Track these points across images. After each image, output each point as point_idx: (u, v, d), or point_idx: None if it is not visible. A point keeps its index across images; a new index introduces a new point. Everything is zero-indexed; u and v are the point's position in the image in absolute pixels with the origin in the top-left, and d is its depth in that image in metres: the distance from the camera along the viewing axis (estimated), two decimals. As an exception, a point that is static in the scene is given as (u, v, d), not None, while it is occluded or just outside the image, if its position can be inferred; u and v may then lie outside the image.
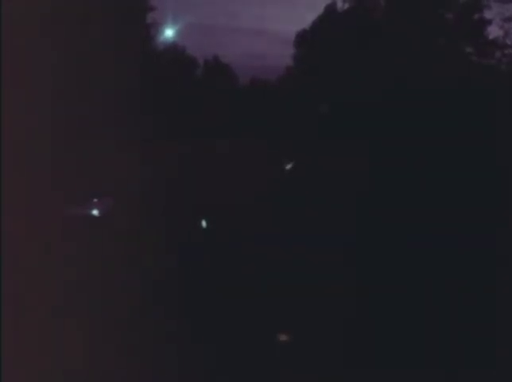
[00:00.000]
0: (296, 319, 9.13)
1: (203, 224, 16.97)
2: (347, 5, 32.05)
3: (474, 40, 23.85)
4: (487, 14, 23.40)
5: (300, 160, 30.01)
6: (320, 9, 41.49)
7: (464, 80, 21.30)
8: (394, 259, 12.73)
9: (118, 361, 7.32)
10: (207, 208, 18.28)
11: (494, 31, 22.61)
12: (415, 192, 18.49)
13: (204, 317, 9.05)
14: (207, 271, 11.51)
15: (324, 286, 10.75)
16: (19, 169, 13.60)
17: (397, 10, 25.68)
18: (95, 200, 16.88)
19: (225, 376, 7.25)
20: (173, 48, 45.76)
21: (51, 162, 15.94)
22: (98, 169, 18.40)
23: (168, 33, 34.45)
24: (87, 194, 16.74)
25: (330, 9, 38.44)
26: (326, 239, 14.46)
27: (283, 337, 8.68)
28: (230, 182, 23.87)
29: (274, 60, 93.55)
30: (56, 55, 16.90)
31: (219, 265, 11.97)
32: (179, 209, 17.62)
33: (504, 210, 15.28)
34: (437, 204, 16.86)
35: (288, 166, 27.83)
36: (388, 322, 9.03)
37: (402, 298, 10.23)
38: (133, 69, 23.61)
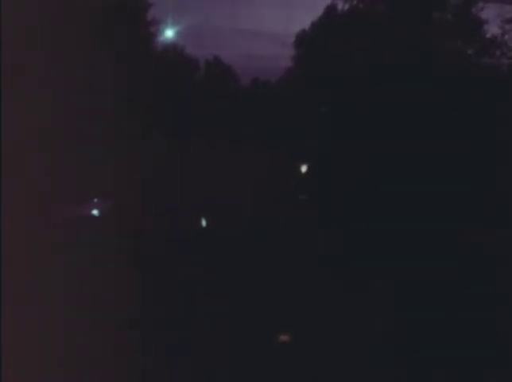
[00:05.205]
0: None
1: (203, 223, 17.00)
2: (347, 6, 32.00)
3: (474, 41, 23.87)
4: (487, 15, 23.39)
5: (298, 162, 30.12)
6: (319, 10, 41.56)
7: (465, 81, 21.31)
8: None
9: (117, 360, 7.32)
10: (206, 208, 18.33)
11: (494, 32, 22.58)
12: (414, 192, 18.49)
13: (205, 316, 9.06)
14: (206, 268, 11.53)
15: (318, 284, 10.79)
16: (19, 169, 13.59)
17: (397, 11, 25.71)
18: (95, 200, 16.91)
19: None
20: (173, 48, 45.72)
21: (51, 163, 15.93)
22: (98, 170, 18.39)
23: (168, 33, 34.41)
24: (88, 194, 16.76)
25: (330, 10, 38.46)
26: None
27: (283, 338, 8.69)
28: (230, 183, 23.87)
29: (274, 61, 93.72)
30: (55, 54, 16.88)
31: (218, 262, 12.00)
32: (179, 209, 17.64)
33: (504, 209, 15.30)
34: (437, 203, 16.90)
35: (304, 169, 28.00)
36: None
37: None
38: (133, 69, 23.60)
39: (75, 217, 14.72)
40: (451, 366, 7.68)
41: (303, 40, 45.20)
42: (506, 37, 21.02)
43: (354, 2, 29.68)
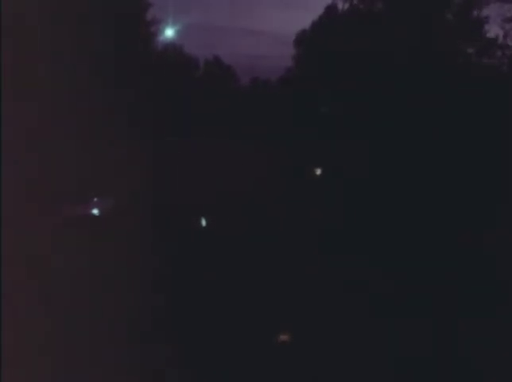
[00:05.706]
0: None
1: (203, 222, 17.01)
2: (347, 6, 32.00)
3: (474, 41, 23.89)
4: (488, 15, 23.38)
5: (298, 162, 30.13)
6: (319, 10, 41.61)
7: (465, 81, 21.32)
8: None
9: (117, 361, 7.31)
10: (205, 208, 18.33)
11: (494, 32, 22.59)
12: (414, 192, 18.50)
13: (204, 314, 9.06)
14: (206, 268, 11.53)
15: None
16: (19, 169, 13.59)
17: (397, 11, 25.73)
18: (96, 199, 16.90)
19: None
20: (173, 48, 45.71)
21: (51, 163, 15.93)
22: (98, 169, 18.39)
23: (168, 32, 34.38)
24: (88, 194, 16.75)
25: (330, 10, 38.47)
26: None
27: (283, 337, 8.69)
28: (229, 183, 23.86)
29: (274, 60, 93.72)
30: (55, 54, 16.88)
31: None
32: (179, 208, 17.64)
33: (504, 209, 15.31)
34: (437, 202, 16.91)
35: (318, 172, 27.87)
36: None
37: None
38: (133, 68, 23.62)
39: (75, 217, 14.70)
40: (451, 366, 7.68)
41: (303, 40, 45.22)
42: (507, 36, 21.03)
43: (355, 2, 29.71)
